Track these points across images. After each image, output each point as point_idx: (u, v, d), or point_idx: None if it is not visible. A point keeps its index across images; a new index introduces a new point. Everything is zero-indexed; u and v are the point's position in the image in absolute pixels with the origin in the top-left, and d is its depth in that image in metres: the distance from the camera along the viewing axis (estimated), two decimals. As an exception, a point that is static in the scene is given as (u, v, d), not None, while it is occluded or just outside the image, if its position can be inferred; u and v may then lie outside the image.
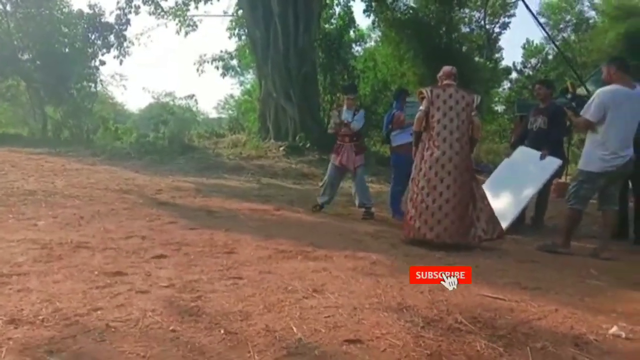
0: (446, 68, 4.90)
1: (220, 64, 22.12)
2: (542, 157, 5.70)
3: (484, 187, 6.16)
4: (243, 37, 20.63)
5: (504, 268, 3.82)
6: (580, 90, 5.99)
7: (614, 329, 2.47)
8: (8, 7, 18.79)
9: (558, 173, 6.13)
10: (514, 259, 4.24)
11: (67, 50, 19.67)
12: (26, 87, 20.55)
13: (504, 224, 5.28)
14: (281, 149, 13.38)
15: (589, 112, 4.38)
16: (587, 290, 3.28)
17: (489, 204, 4.77)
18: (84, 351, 1.94)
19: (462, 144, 4.65)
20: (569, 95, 4.99)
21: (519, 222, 5.86)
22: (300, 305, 2.64)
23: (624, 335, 2.42)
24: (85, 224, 4.66)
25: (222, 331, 2.21)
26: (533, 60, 35.03)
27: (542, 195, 6.05)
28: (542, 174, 5.67)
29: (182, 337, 2.13)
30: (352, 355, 2.05)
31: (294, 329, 2.29)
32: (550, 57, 33.15)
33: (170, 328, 2.22)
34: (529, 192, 5.65)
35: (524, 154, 6.09)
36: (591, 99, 4.46)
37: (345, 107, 6.39)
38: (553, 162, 5.66)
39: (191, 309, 2.48)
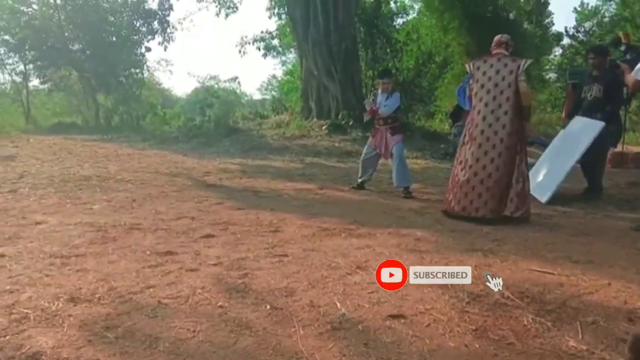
0: (496, 37, 4.72)
1: (262, 44, 22.22)
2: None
3: (540, 160, 6.08)
4: (283, 16, 20.55)
5: (554, 242, 3.71)
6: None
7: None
8: (58, 0, 19.47)
9: (607, 139, 5.80)
10: (565, 232, 4.10)
11: (114, 38, 20.28)
12: (78, 76, 21.35)
13: (547, 195, 5.26)
14: (324, 127, 13.35)
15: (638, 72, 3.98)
16: (644, 264, 3.14)
17: (523, 182, 4.51)
18: (138, 327, 2.05)
19: (498, 116, 4.45)
20: (623, 47, 4.60)
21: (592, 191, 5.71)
22: (343, 281, 2.67)
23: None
24: (137, 206, 4.85)
25: (268, 307, 2.27)
26: (587, 24, 33.21)
27: (597, 164, 5.79)
28: (584, 139, 5.43)
29: (230, 313, 2.20)
30: (396, 330, 2.06)
31: (338, 304, 2.32)
32: (606, 19, 31.35)
33: (219, 304, 2.30)
34: (572, 158, 5.44)
35: (579, 123, 5.87)
36: None
37: (380, 91, 6.34)
38: (595, 125, 5.39)
39: (238, 286, 2.55)
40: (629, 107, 10.21)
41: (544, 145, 13.73)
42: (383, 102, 6.15)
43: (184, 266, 2.89)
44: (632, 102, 9.57)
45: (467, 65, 4.80)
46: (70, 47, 20.21)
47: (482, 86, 4.54)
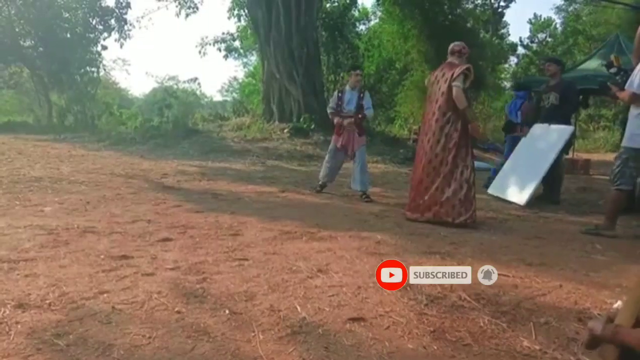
0: (450, 46, 4.84)
1: (223, 45, 22.02)
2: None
3: (508, 167, 6.35)
4: (242, 18, 20.44)
5: (508, 245, 3.82)
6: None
7: (618, 304, 2.45)
8: (8, -6, 18.73)
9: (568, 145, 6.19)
10: (519, 236, 4.23)
11: (68, 35, 19.66)
12: (30, 74, 20.57)
13: (525, 198, 5.65)
14: (285, 130, 13.33)
15: (634, 85, 4.05)
16: (592, 266, 3.28)
17: (468, 188, 4.55)
18: (90, 334, 1.97)
19: (441, 124, 4.58)
20: (614, 70, 4.82)
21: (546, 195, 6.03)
22: (304, 285, 2.65)
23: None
24: (91, 209, 4.69)
25: (227, 312, 2.24)
26: (540, 35, 34.54)
27: (556, 170, 6.04)
28: (557, 141, 5.70)
29: (187, 319, 2.15)
30: (356, 333, 2.07)
31: (298, 308, 2.31)
32: (558, 31, 32.69)
33: (176, 309, 2.24)
34: (547, 161, 5.68)
35: (540, 129, 6.17)
36: (635, 70, 4.13)
37: (348, 87, 6.29)
38: (566, 130, 5.69)
39: (196, 291, 2.50)
40: (578, 115, 10.67)
41: (498, 152, 14.17)
42: (354, 99, 6.16)
43: (139, 270, 2.80)
44: (581, 110, 10.04)
45: (426, 80, 5.05)
46: (22, 43, 19.47)
47: (429, 97, 4.82)
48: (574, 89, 5.94)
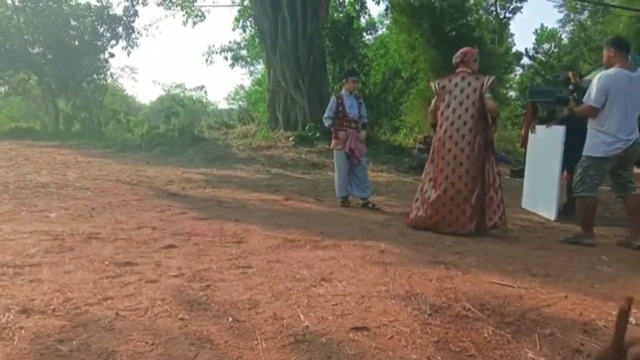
0: (459, 52, 4.80)
1: (229, 54, 22.14)
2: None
3: (527, 178, 6.36)
4: (248, 29, 20.57)
5: (513, 255, 3.80)
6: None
7: (632, 320, 2.44)
8: (17, 2, 18.93)
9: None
10: (524, 246, 4.21)
11: (76, 43, 19.85)
12: (37, 80, 20.76)
13: (553, 212, 5.63)
14: (290, 139, 13.37)
15: (590, 98, 4.21)
16: (598, 277, 3.25)
17: (495, 192, 4.62)
18: (94, 340, 1.97)
19: (463, 133, 4.58)
20: (571, 87, 4.91)
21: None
22: (308, 293, 2.65)
23: (634, 321, 2.39)
24: (96, 215, 4.71)
25: (230, 319, 2.23)
26: (545, 46, 34.58)
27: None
28: (555, 145, 5.61)
29: (190, 326, 2.14)
30: (359, 342, 2.06)
31: (302, 316, 2.30)
32: (564, 41, 32.73)
33: (179, 317, 2.24)
34: (556, 168, 5.60)
35: (540, 133, 6.15)
36: (592, 83, 4.28)
37: (346, 92, 6.20)
38: (557, 131, 5.59)
39: (200, 298, 2.50)
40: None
41: (505, 162, 14.14)
42: (354, 105, 6.14)
43: (143, 277, 2.81)
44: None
45: (431, 84, 4.94)
46: (30, 50, 19.67)
47: (448, 105, 4.67)
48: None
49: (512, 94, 30.86)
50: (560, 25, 32.99)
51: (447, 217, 4.60)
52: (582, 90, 4.61)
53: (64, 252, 3.27)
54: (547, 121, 6.21)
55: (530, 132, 6.49)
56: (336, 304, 2.49)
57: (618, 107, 4.13)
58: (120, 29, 19.90)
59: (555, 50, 33.26)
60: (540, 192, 6.12)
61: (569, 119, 5.72)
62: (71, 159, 10.23)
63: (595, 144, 4.26)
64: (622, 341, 0.53)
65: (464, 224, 4.56)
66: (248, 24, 20.22)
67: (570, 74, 5.20)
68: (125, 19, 19.76)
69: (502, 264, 3.49)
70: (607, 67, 4.30)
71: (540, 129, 6.10)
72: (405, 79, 20.70)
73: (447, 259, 3.55)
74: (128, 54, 20.39)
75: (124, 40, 19.98)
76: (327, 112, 6.24)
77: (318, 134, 13.41)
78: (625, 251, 4.19)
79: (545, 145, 5.96)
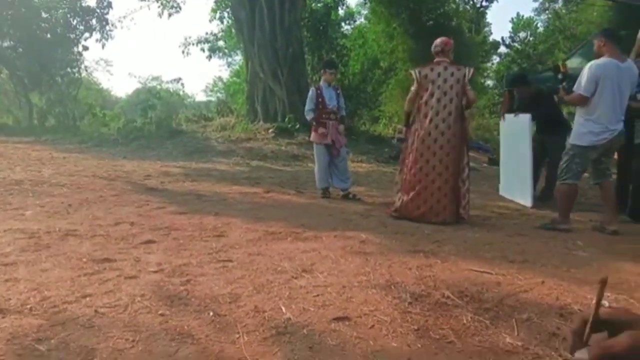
0: (438, 41, 4.83)
1: (206, 46, 21.88)
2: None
3: (503, 166, 6.60)
4: (225, 21, 20.35)
5: (491, 242, 3.86)
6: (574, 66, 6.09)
7: (606, 304, 2.50)
8: (-16, -6, 18.40)
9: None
10: (502, 233, 4.28)
11: (48, 36, 19.35)
12: (9, 75, 20.22)
13: (529, 199, 5.72)
14: (270, 130, 13.29)
15: (581, 86, 4.27)
16: (573, 262, 3.33)
17: (466, 184, 4.73)
18: (72, 338, 1.95)
19: (449, 123, 4.64)
20: (560, 75, 4.98)
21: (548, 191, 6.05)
22: (289, 285, 2.65)
23: (607, 304, 2.45)
24: (73, 212, 4.63)
25: (211, 314, 2.23)
26: (522, 34, 34.93)
27: (552, 167, 6.13)
28: (523, 132, 5.72)
29: (171, 321, 2.13)
30: (340, 332, 2.07)
31: (283, 309, 2.31)
32: (540, 30, 33.10)
33: (159, 312, 2.22)
34: (527, 155, 5.71)
35: (510, 121, 6.24)
36: (582, 72, 4.35)
37: (324, 84, 6.20)
38: (525, 118, 5.70)
39: (180, 293, 2.48)
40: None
41: (483, 150, 14.28)
42: (333, 96, 6.14)
43: (122, 273, 2.78)
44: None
45: (412, 72, 4.91)
46: (0, 43, 19.10)
47: (432, 95, 4.69)
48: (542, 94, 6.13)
49: (489, 82, 31.13)
50: (535, 13, 33.36)
51: (434, 207, 4.65)
52: (571, 79, 4.69)
53: (41, 250, 3.21)
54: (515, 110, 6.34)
55: (501, 121, 6.60)
56: (317, 295, 2.50)
57: (606, 96, 4.20)
58: (93, 21, 19.48)
59: (531, 39, 33.62)
60: (515, 179, 6.22)
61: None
62: (46, 155, 10.03)
63: (582, 133, 4.33)
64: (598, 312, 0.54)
65: (452, 213, 4.65)
66: (226, 15, 19.98)
67: (560, 64, 5.29)
68: (98, 10, 19.35)
69: (480, 251, 3.55)
70: (597, 56, 4.36)
71: (509, 117, 6.22)
72: (384, 69, 20.72)
73: (427, 247, 3.59)
74: (103, 47, 20.03)
75: (98, 33, 19.59)
76: (308, 105, 6.19)
77: (298, 126, 13.35)
78: (600, 236, 4.30)
79: (515, 133, 6.07)
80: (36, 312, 2.19)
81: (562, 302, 2.50)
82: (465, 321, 2.22)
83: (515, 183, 6.20)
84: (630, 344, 0.50)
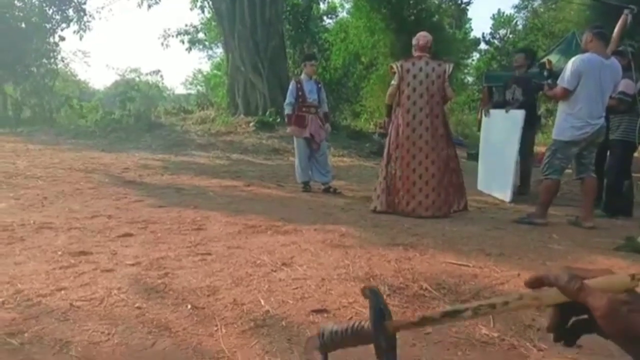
0: (419, 35, 4.86)
1: (186, 37, 21.62)
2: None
3: (482, 161, 6.62)
4: (206, 10, 20.12)
5: (469, 235, 3.90)
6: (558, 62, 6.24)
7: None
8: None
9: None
10: (479, 227, 4.33)
11: (23, 25, 18.84)
12: (-18, 65, 19.68)
13: (509, 194, 5.77)
14: (251, 124, 13.20)
15: (564, 80, 4.31)
16: (549, 255, 3.39)
17: (457, 176, 4.86)
18: (46, 331, 1.91)
19: (432, 119, 4.68)
20: (546, 73, 5.06)
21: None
22: (268, 278, 2.65)
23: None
24: (48, 204, 4.55)
25: (189, 306, 2.21)
26: (502, 31, 35.26)
27: (525, 162, 6.21)
28: (514, 128, 5.78)
29: (148, 314, 2.11)
30: (318, 324, 2.07)
31: (262, 301, 2.30)
32: (519, 27, 33.47)
33: (136, 305, 2.20)
34: (513, 151, 5.76)
35: (498, 116, 6.29)
36: (566, 66, 4.39)
37: (305, 77, 6.21)
38: (518, 114, 5.77)
39: (157, 286, 2.46)
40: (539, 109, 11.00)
41: (461, 145, 14.43)
42: (314, 89, 6.13)
43: (99, 267, 2.74)
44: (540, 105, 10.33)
45: (394, 65, 4.90)
46: (-28, 32, 18.56)
47: (414, 89, 4.71)
48: (532, 83, 6.14)
49: (469, 79, 31.40)
50: (515, 11, 33.67)
51: (423, 202, 4.68)
52: (556, 76, 4.77)
53: (14, 243, 3.15)
54: (501, 105, 6.39)
55: (484, 116, 6.66)
56: (296, 288, 2.50)
57: (588, 90, 4.23)
58: (70, 11, 19.07)
59: (511, 36, 33.96)
60: (495, 174, 6.28)
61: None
62: (21, 147, 9.81)
63: (564, 128, 4.37)
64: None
65: (440, 207, 4.71)
66: (207, 4, 19.74)
67: (546, 61, 5.43)
68: (75, 0, 18.94)
69: (458, 244, 3.59)
70: (584, 51, 4.41)
71: (497, 112, 6.26)
72: (365, 64, 20.76)
73: (406, 240, 3.62)
74: (80, 38, 19.54)
75: (76, 24, 19.17)
76: (288, 98, 6.15)
77: (279, 119, 13.26)
78: (576, 230, 4.37)
79: (502, 128, 6.11)
80: (9, 306, 2.15)
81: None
82: (442, 313, 2.24)
83: (495, 178, 6.26)
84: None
